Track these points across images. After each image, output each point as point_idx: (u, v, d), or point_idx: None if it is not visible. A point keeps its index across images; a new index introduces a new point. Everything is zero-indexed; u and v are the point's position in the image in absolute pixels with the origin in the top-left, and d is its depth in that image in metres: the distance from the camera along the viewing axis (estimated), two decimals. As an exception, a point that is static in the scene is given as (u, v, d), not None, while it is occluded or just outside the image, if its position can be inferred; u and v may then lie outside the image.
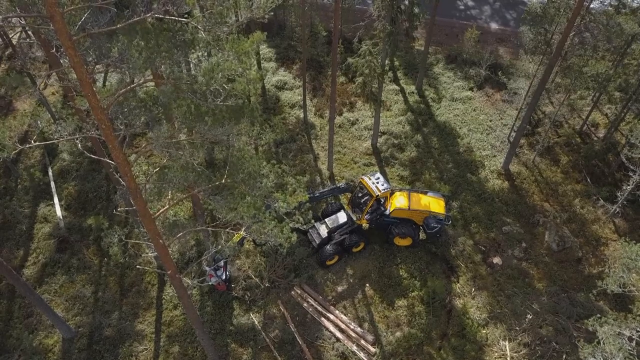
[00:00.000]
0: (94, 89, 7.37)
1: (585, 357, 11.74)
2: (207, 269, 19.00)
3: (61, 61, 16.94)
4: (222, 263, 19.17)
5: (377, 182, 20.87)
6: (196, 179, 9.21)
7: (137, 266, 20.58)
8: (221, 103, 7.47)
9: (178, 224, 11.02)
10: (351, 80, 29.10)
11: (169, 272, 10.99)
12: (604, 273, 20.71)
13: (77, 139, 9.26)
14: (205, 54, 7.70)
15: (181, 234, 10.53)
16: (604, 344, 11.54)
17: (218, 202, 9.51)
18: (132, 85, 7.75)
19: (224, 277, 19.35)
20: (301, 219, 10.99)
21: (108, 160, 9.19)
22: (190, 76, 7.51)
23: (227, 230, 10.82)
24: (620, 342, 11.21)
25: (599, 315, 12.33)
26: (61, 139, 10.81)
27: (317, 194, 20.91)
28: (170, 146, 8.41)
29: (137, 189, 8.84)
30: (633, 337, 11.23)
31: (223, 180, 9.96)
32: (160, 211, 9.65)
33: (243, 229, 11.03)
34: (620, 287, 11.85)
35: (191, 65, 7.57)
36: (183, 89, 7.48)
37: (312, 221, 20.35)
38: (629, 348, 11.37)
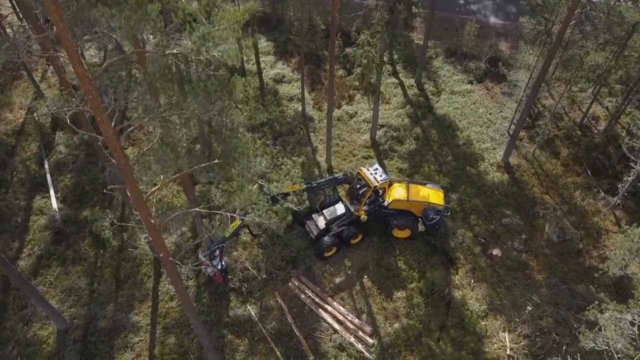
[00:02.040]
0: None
1: (587, 343, 11.52)
2: (203, 258, 18.78)
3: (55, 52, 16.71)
4: (217, 252, 18.95)
5: (376, 173, 20.67)
6: (188, 157, 9.01)
7: (129, 249, 20.37)
8: (212, 72, 7.27)
9: (171, 206, 10.81)
10: (350, 72, 28.91)
11: (161, 256, 10.78)
12: (605, 255, 20.48)
13: (65, 113, 8.97)
14: (197, 23, 7.50)
15: (173, 215, 10.32)
16: (605, 330, 11.33)
17: (213, 178, 9.29)
18: (120, 56, 7.55)
19: (219, 266, 19.13)
20: (296, 199, 10.75)
21: (96, 135, 8.98)
22: (180, 45, 7.32)
23: (221, 212, 10.59)
24: (622, 326, 11.00)
25: (598, 302, 12.12)
26: (50, 112, 10.46)
27: (315, 185, 20.71)
28: (162, 121, 8.21)
29: (128, 165, 8.64)
30: (635, 321, 11.03)
31: (216, 160, 9.76)
32: (152, 190, 9.44)
33: (237, 211, 10.78)
34: (622, 270, 11.63)
35: (183, 36, 7.35)
36: (171, 60, 7.30)
37: (307, 202, 20.16)
38: (631, 333, 11.17)
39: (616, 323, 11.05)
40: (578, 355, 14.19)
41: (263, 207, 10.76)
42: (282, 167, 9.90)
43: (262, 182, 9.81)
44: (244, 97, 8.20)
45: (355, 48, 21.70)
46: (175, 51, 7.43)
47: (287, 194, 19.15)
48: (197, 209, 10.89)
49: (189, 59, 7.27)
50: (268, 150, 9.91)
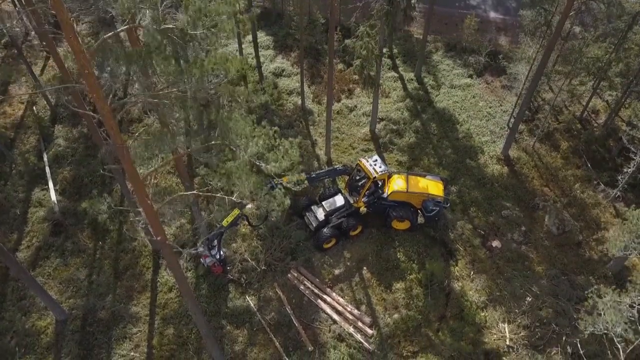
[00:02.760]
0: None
1: (586, 327, 11.47)
2: (202, 249, 18.73)
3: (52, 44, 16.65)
4: (215, 242, 18.91)
5: (375, 164, 20.63)
6: (185, 138, 8.97)
7: (129, 237, 20.34)
8: (208, 47, 7.23)
9: (169, 191, 10.77)
10: (349, 66, 28.82)
11: (158, 239, 10.74)
12: (604, 238, 20.47)
13: (60, 91, 8.92)
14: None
15: (171, 197, 10.28)
16: (604, 314, 11.28)
17: (209, 158, 9.25)
18: (115, 31, 7.51)
19: (218, 256, 19.08)
20: (293, 179, 10.70)
21: (91, 114, 8.93)
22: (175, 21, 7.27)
23: (218, 195, 10.55)
24: (620, 309, 10.95)
25: (597, 287, 12.07)
26: (44, 90, 10.40)
27: (314, 175, 20.67)
28: (159, 99, 8.16)
29: (124, 144, 8.59)
30: (634, 304, 10.98)
31: (213, 141, 9.72)
32: (149, 171, 9.40)
33: (235, 195, 10.73)
34: (621, 251, 11.57)
35: (179, 11, 7.31)
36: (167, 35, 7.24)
37: (306, 181, 20.15)
38: (630, 315, 11.12)
39: (615, 306, 11.02)
40: (578, 341, 14.11)
41: (262, 191, 10.72)
42: (280, 147, 9.86)
43: (259, 162, 9.77)
44: (241, 74, 8.16)
45: (354, 40, 21.66)
46: (171, 26, 7.40)
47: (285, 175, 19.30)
48: (194, 192, 10.84)
49: (185, 33, 7.21)
50: (265, 131, 9.86)
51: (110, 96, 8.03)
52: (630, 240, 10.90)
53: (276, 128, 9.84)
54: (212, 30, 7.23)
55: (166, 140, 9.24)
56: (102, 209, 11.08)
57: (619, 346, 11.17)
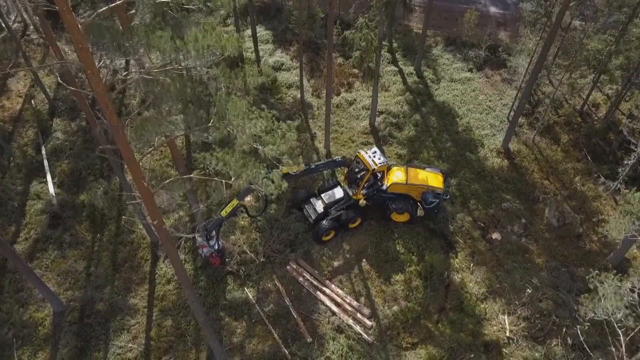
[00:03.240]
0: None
1: (586, 313, 11.38)
2: (200, 239, 18.63)
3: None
4: (213, 233, 18.82)
5: (374, 156, 20.53)
6: (182, 117, 8.87)
7: (124, 223, 20.24)
8: (204, 20, 7.12)
9: (166, 176, 10.67)
10: (349, 59, 28.71)
11: (154, 223, 10.63)
12: (604, 221, 20.40)
13: (52, 68, 8.81)
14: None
15: (167, 181, 10.18)
16: (604, 300, 11.19)
17: (206, 138, 9.15)
18: (109, 5, 7.41)
19: (217, 247, 18.99)
20: (290, 162, 10.61)
21: (84, 91, 8.83)
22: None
23: (215, 179, 10.46)
24: (621, 293, 10.85)
25: (597, 272, 11.99)
26: (36, 68, 10.29)
27: (314, 166, 20.57)
28: (155, 76, 8.07)
29: (119, 123, 8.50)
30: (635, 288, 10.88)
31: (210, 123, 9.63)
32: (145, 153, 9.30)
33: (232, 179, 10.63)
34: (621, 233, 11.48)
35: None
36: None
37: (303, 163, 20.13)
38: (631, 299, 11.02)
39: (616, 291, 10.92)
40: (578, 329, 14.00)
41: (259, 175, 10.62)
42: (278, 130, 9.76)
43: (257, 145, 9.67)
44: (237, 51, 8.05)
45: (353, 31, 21.56)
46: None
47: (286, 174, 19.17)
48: (191, 175, 10.74)
49: (181, 7, 7.12)
50: (263, 114, 9.77)
51: (106, 73, 7.92)
52: (631, 222, 10.81)
53: (274, 111, 9.73)
54: (208, 4, 7.14)
55: (162, 122, 9.14)
56: (98, 194, 10.97)
57: (620, 332, 11.08)
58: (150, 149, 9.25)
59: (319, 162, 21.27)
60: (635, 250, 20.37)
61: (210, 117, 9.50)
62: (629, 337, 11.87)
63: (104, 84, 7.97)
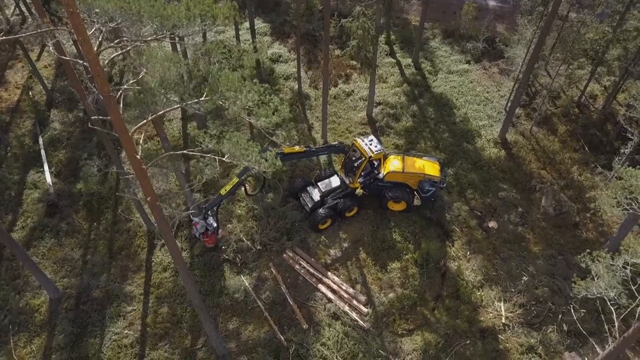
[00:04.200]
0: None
1: (579, 292, 11.36)
2: (195, 219, 18.62)
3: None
4: (209, 213, 18.85)
5: (371, 144, 20.53)
6: (176, 87, 8.87)
7: (120, 212, 20.23)
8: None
9: (157, 153, 10.67)
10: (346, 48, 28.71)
11: (148, 199, 10.62)
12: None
13: (45, 34, 8.81)
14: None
15: (161, 155, 10.19)
16: (597, 279, 11.18)
17: (198, 109, 9.15)
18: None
19: (214, 224, 19.02)
20: (284, 133, 10.61)
21: (77, 60, 8.83)
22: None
23: (209, 155, 10.45)
24: (613, 270, 10.84)
25: (589, 250, 11.98)
26: (28, 33, 10.31)
27: (314, 149, 20.57)
28: (147, 44, 8.07)
29: (111, 94, 8.50)
30: (627, 264, 10.87)
31: (203, 97, 9.64)
32: (139, 125, 9.30)
33: (226, 156, 10.62)
34: (614, 206, 11.48)
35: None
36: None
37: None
38: (623, 275, 11.00)
39: (608, 267, 10.92)
40: (574, 315, 13.97)
41: (253, 153, 10.61)
42: (270, 103, 9.77)
43: (249, 119, 9.68)
44: (230, 17, 8.05)
45: (350, 19, 21.57)
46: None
47: (288, 154, 19.29)
48: (184, 151, 10.74)
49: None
50: (256, 88, 9.77)
51: (98, 41, 7.94)
52: (623, 197, 10.80)
53: (266, 85, 9.73)
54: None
55: (155, 94, 9.15)
56: (92, 172, 10.95)
57: (612, 309, 11.07)
58: (142, 122, 9.25)
59: (319, 147, 21.31)
60: (631, 239, 20.34)
61: (203, 91, 9.50)
62: (622, 316, 11.86)
63: (95, 51, 7.97)
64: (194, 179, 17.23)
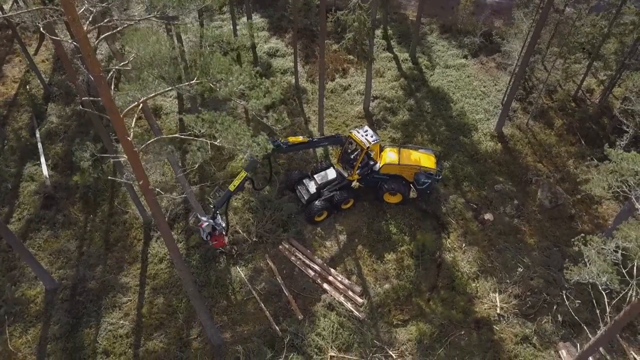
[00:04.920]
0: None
1: (572, 277, 11.38)
2: (203, 218, 18.01)
3: None
4: (218, 212, 18.24)
5: (366, 135, 20.55)
6: (167, 68, 8.90)
7: (117, 204, 20.23)
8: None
9: (150, 136, 10.71)
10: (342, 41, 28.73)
11: (140, 183, 10.65)
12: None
13: (33, 18, 8.83)
14: None
15: (153, 139, 10.22)
16: (590, 264, 11.21)
17: (188, 91, 9.18)
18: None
19: (223, 224, 18.36)
20: (274, 115, 10.63)
21: (66, 40, 8.85)
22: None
23: (201, 139, 10.47)
24: (604, 253, 10.87)
25: (582, 235, 12.02)
26: (18, 12, 10.32)
27: (316, 140, 20.52)
28: (135, 24, 8.10)
29: (101, 74, 8.52)
30: (619, 247, 10.90)
31: (194, 80, 9.67)
32: (130, 106, 9.33)
33: (219, 140, 10.63)
34: (604, 189, 11.51)
35: None
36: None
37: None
38: (614, 258, 11.03)
39: (600, 251, 10.94)
40: (567, 301, 13.96)
41: (245, 137, 10.63)
42: (261, 86, 9.79)
43: (240, 101, 9.70)
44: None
45: (346, 12, 21.58)
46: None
47: (293, 145, 19.26)
48: (176, 135, 10.77)
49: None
50: (247, 70, 9.80)
51: (88, 20, 7.96)
52: (613, 180, 10.83)
53: (258, 68, 9.76)
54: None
55: (147, 77, 9.18)
56: (84, 156, 11.01)
57: (604, 294, 11.10)
58: (133, 104, 9.28)
59: (321, 137, 21.20)
60: (627, 230, 20.32)
61: (195, 74, 9.53)
62: (614, 302, 11.87)
63: (85, 30, 8.00)
64: (188, 166, 17.00)
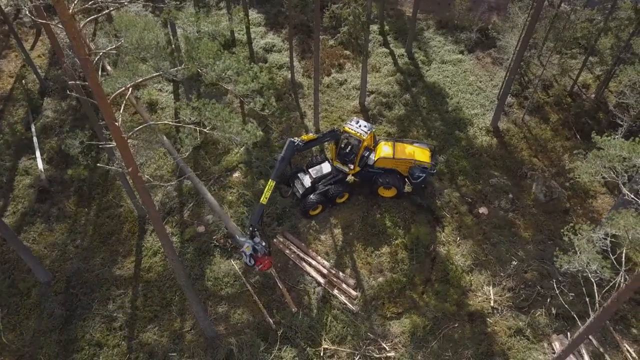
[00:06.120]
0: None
1: (562, 265, 11.37)
2: (241, 239, 17.07)
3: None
4: (256, 229, 17.15)
5: (359, 127, 20.53)
6: (154, 52, 8.89)
7: (112, 198, 20.20)
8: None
9: (139, 123, 10.70)
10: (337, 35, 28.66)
11: (129, 170, 10.64)
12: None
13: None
14: None
15: (142, 126, 10.21)
16: (580, 253, 11.20)
17: (174, 75, 9.18)
18: None
19: (263, 243, 17.38)
20: (262, 99, 10.62)
21: (49, 22, 8.84)
22: None
23: (190, 125, 10.46)
24: (594, 241, 10.86)
25: (572, 224, 12.01)
26: None
27: (321, 135, 20.34)
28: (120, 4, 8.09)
29: (88, 58, 8.52)
30: (607, 234, 10.89)
31: (182, 66, 9.67)
32: (118, 91, 9.32)
33: (207, 128, 10.64)
34: (592, 176, 11.50)
35: None
36: None
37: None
38: (603, 245, 11.02)
39: (589, 238, 10.93)
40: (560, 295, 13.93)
41: (235, 124, 10.63)
42: (250, 71, 9.79)
43: (227, 86, 9.70)
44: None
45: (341, 5, 21.59)
46: None
47: (307, 142, 19.17)
48: (165, 122, 10.77)
49: None
50: (235, 56, 9.79)
51: (74, 2, 7.96)
52: (601, 165, 10.84)
53: (246, 53, 9.75)
54: None
55: (134, 62, 9.17)
56: (74, 144, 11.01)
57: (594, 281, 11.09)
58: (121, 88, 9.28)
59: (324, 133, 21.15)
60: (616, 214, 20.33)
61: (182, 59, 9.52)
62: (604, 290, 11.87)
63: (70, 12, 7.99)
64: (180, 150, 16.70)
